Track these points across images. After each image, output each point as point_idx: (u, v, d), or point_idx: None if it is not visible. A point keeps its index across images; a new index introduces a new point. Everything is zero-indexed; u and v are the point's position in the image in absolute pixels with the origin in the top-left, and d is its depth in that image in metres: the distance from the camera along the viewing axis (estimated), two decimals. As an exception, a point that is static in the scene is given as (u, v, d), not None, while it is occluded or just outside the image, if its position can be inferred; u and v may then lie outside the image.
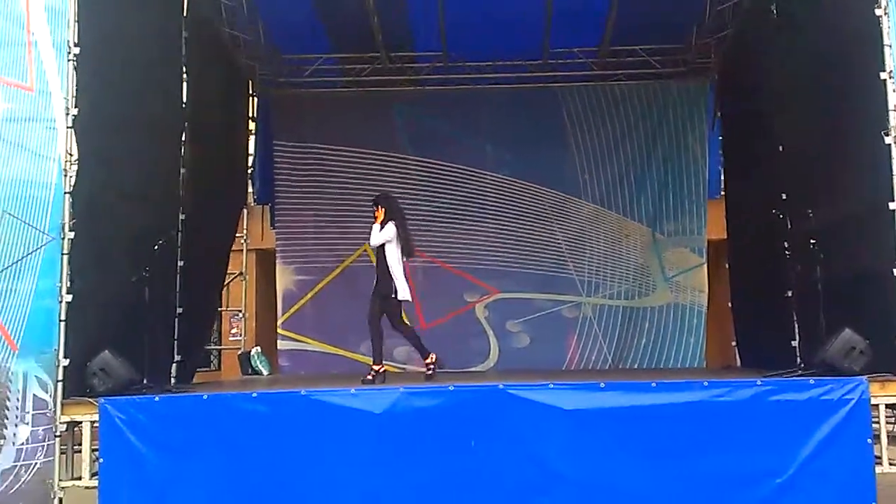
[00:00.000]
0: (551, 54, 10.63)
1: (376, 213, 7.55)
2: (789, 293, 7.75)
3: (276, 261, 11.30)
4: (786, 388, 5.81)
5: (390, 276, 7.35)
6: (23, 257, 6.00)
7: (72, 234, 6.02)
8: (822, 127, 7.22)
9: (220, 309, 11.22)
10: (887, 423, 5.93)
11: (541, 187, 11.22)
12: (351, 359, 10.62)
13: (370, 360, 7.42)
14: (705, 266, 11.05)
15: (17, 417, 5.82)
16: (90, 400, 5.92)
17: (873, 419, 5.73)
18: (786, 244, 7.75)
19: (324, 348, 10.89)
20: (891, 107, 5.97)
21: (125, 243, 6.85)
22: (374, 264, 7.56)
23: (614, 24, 9.75)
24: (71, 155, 6.10)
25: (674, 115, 11.14)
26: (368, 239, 7.62)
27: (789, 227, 7.72)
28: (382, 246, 7.42)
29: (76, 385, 6.01)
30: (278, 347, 11.09)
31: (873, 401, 5.73)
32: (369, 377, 7.13)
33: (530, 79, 11.06)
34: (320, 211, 11.27)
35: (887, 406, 5.89)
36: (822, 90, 7.18)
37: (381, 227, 7.45)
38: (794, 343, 7.64)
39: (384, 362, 7.47)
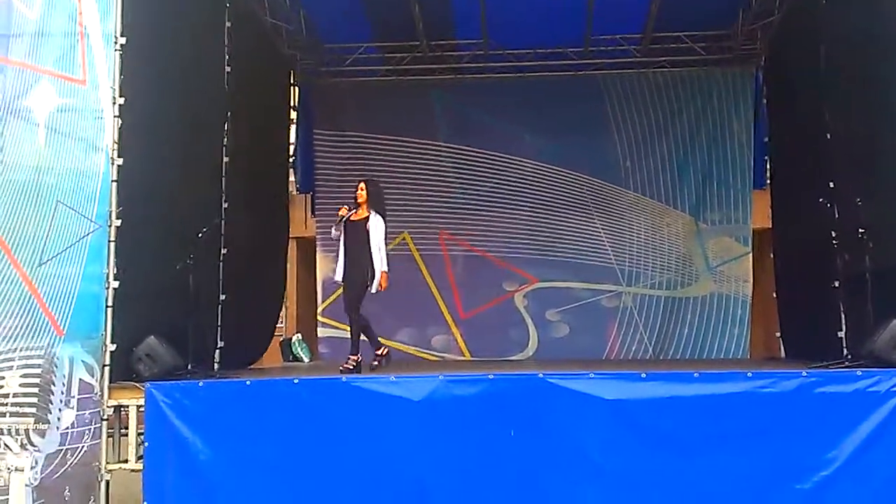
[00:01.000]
0: (593, 42, 10.53)
1: (359, 194, 7.29)
2: (836, 283, 7.59)
3: (317, 249, 11.38)
4: (832, 379, 5.70)
5: (370, 262, 7.15)
6: (71, 245, 6.11)
7: (118, 222, 6.12)
8: (871, 114, 7.05)
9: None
10: (937, 416, 5.76)
11: (581, 175, 11.14)
12: (390, 347, 10.62)
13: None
14: (750, 255, 10.88)
15: (61, 402, 5.91)
16: (136, 384, 6.05)
17: (922, 412, 5.60)
18: (833, 233, 7.59)
19: (362, 336, 10.92)
20: (944, 93, 5.81)
21: (170, 231, 6.97)
22: (343, 249, 7.28)
23: (658, 11, 9.62)
24: (118, 144, 6.20)
25: (718, 103, 10.98)
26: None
27: (837, 216, 7.56)
28: (366, 233, 7.18)
29: (122, 370, 6.15)
30: (318, 335, 11.19)
31: (923, 393, 5.60)
32: (374, 363, 7.18)
33: (572, 66, 10.98)
34: (360, 199, 11.30)
35: (937, 399, 5.74)
36: (871, 76, 7.00)
37: (368, 213, 7.24)
38: (841, 334, 7.48)
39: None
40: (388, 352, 7.50)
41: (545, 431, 5.78)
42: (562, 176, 11.18)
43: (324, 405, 5.92)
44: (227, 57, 8.19)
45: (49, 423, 5.86)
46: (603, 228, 11.06)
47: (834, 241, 7.49)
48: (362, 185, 7.35)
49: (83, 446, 5.91)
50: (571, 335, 10.91)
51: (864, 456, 5.53)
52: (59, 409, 5.90)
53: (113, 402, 6.04)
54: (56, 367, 5.93)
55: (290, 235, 11.74)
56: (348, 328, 7.39)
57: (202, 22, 7.85)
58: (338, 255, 7.36)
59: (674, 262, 10.98)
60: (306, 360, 10.48)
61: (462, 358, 10.83)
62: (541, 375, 5.94)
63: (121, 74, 6.25)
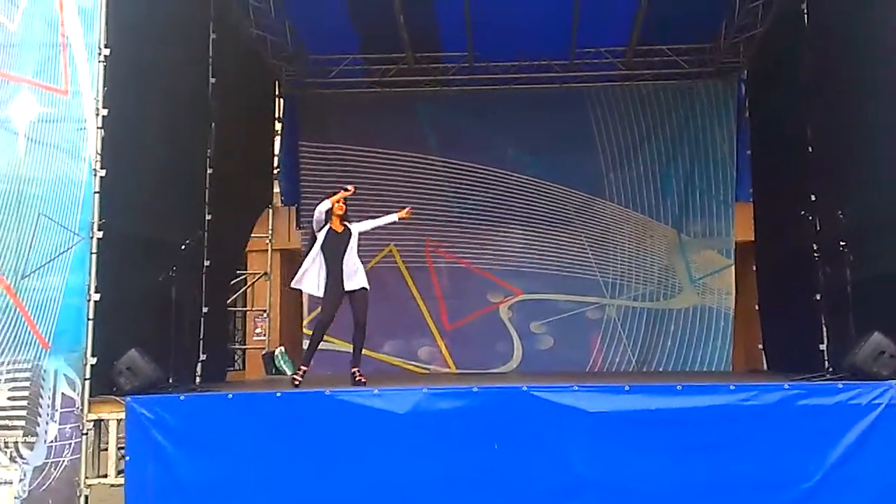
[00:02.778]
0: (578, 54, 10.59)
1: (342, 206, 7.18)
2: (818, 296, 7.65)
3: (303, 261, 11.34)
4: (814, 392, 5.74)
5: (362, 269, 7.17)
6: (54, 257, 6.07)
7: (100, 234, 6.09)
8: (852, 128, 7.12)
9: (233, 309, 11.27)
10: (917, 428, 5.80)
11: (565, 188, 11.18)
12: (375, 359, 10.67)
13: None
14: (733, 268, 10.94)
15: (48, 415, 5.89)
16: (117, 398, 5.99)
17: (903, 425, 5.63)
18: (815, 246, 7.65)
19: (347, 347, 10.87)
20: (923, 108, 5.87)
21: (153, 243, 6.93)
22: (333, 258, 7.09)
23: (642, 24, 9.69)
24: (100, 155, 6.17)
25: (701, 115, 11.06)
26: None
27: (818, 228, 7.62)
28: (354, 242, 7.14)
29: (103, 383, 6.09)
30: (303, 347, 11.13)
31: (903, 406, 5.64)
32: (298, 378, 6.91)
33: (556, 79, 11.03)
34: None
35: (917, 411, 5.78)
36: (852, 90, 7.08)
37: (349, 222, 7.18)
38: (823, 346, 7.54)
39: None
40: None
41: (529, 444, 5.78)
42: (546, 188, 11.22)
43: (307, 419, 5.90)
44: (211, 68, 8.17)
45: (37, 435, 5.83)
46: (587, 241, 11.09)
47: (815, 254, 7.55)
48: (343, 199, 7.18)
49: (64, 460, 5.87)
50: (556, 347, 10.92)
51: (845, 468, 5.57)
52: (47, 422, 5.87)
53: (93, 416, 6.00)
54: (43, 380, 5.91)
55: (274, 247, 11.72)
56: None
57: (187, 33, 7.83)
58: (308, 266, 7.11)
59: (657, 274, 11.02)
60: (289, 373, 10.41)
61: (447, 369, 10.82)
62: (525, 388, 5.94)
63: (104, 85, 6.22)
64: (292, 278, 7.32)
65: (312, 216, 7.18)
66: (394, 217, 7.34)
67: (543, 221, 11.16)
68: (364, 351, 7.11)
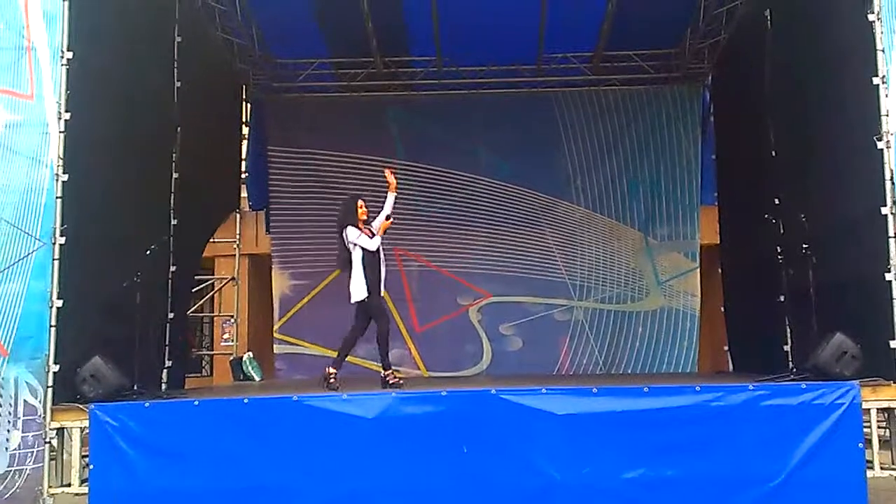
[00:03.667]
0: (545, 60, 10.66)
1: (365, 211, 7.16)
2: (782, 298, 7.76)
3: (272, 266, 11.30)
4: (778, 392, 5.82)
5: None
6: (14, 262, 5.97)
7: (62, 239, 6.00)
8: (815, 132, 7.24)
9: (200, 314, 11.16)
10: (878, 427, 5.93)
11: (533, 192, 11.25)
12: (347, 362, 10.63)
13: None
14: (698, 270, 11.07)
15: (9, 423, 5.80)
16: (80, 406, 5.90)
17: (864, 424, 5.74)
18: (778, 249, 7.76)
19: (320, 351, 10.92)
20: (883, 112, 5.98)
21: (117, 248, 6.83)
22: (367, 267, 6.99)
23: (609, 30, 9.78)
24: (62, 160, 6.08)
25: (667, 120, 11.19)
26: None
27: (782, 231, 7.74)
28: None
29: (66, 391, 6.00)
30: (275, 351, 11.11)
31: (865, 405, 5.75)
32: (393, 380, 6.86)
33: (524, 84, 11.10)
34: (315, 216, 11.24)
35: (879, 410, 5.90)
36: (815, 95, 7.20)
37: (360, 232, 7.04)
38: (787, 348, 7.66)
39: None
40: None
41: (498, 447, 5.79)
42: (515, 193, 11.28)
43: (275, 425, 5.85)
44: (176, 72, 8.09)
45: (-1, 443, 5.72)
46: (555, 244, 11.17)
47: (779, 257, 7.67)
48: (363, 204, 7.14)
49: (27, 469, 5.78)
50: (524, 349, 10.99)
51: (809, 467, 5.65)
52: (8, 431, 5.78)
53: (56, 424, 5.91)
54: (3, 387, 5.79)
55: (242, 252, 11.64)
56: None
57: (151, 37, 7.74)
58: (359, 273, 6.92)
59: (624, 276, 11.14)
60: (257, 378, 10.34)
61: (418, 372, 10.83)
62: (493, 392, 5.96)
63: (67, 89, 6.14)
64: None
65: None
66: (391, 197, 7.18)
67: (512, 225, 11.22)
68: (335, 353, 7.05)
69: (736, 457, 5.69)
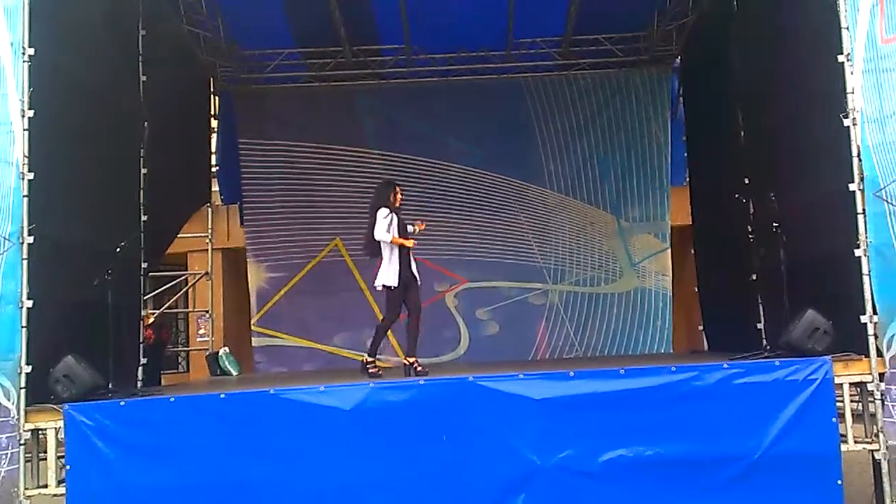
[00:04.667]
0: (515, 45, 10.64)
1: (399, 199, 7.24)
2: (754, 277, 7.83)
3: (248, 259, 11.23)
4: (752, 370, 5.87)
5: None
6: (-19, 263, 5.87)
7: (31, 239, 5.90)
8: (782, 111, 7.30)
9: (175, 310, 11.06)
10: (851, 401, 6.00)
11: (506, 178, 11.28)
12: (326, 352, 10.78)
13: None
14: (669, 251, 11.17)
15: (-20, 426, 5.71)
16: (54, 407, 5.83)
17: (837, 398, 5.81)
18: (749, 228, 7.83)
19: (299, 343, 10.94)
20: (849, 90, 6.03)
21: (87, 246, 6.74)
22: (407, 254, 7.16)
23: (576, 14, 9.78)
24: (27, 158, 5.98)
25: (637, 103, 11.24)
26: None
27: (752, 211, 7.80)
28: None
29: (40, 392, 5.91)
30: (253, 344, 11.07)
31: (837, 380, 5.82)
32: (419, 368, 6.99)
33: (494, 70, 11.08)
34: (289, 207, 11.24)
35: (851, 385, 5.98)
36: (782, 74, 7.25)
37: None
38: (760, 326, 7.73)
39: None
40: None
41: (478, 434, 5.80)
42: (488, 179, 11.30)
43: (253, 419, 5.81)
44: (141, 65, 7.98)
45: (-31, 447, 5.64)
46: (529, 229, 11.21)
47: (750, 236, 7.73)
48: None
49: (2, 471, 5.71)
50: (501, 333, 11.05)
51: (784, 442, 5.71)
52: (-21, 434, 5.68)
53: (31, 426, 5.83)
54: (-26, 389, 5.71)
55: (215, 247, 11.56)
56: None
57: (115, 30, 7.63)
58: (390, 260, 7.08)
59: (597, 259, 11.22)
60: (235, 373, 10.29)
61: (397, 358, 10.85)
62: (471, 379, 5.96)
63: (30, 87, 6.02)
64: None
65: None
66: (415, 229, 7.33)
67: (485, 211, 11.25)
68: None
69: (713, 435, 5.75)
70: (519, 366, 6.90)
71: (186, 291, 12.84)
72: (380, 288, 7.16)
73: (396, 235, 7.03)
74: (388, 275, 7.05)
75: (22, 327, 5.80)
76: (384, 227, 7.04)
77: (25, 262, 5.87)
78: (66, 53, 6.63)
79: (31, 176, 5.96)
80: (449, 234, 11.23)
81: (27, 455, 5.84)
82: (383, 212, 7.07)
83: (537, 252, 11.19)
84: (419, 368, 6.96)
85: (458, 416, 5.83)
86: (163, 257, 9.83)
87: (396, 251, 7.03)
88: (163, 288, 12.11)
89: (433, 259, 11.14)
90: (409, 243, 7.13)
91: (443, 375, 6.37)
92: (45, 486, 5.88)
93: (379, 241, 7.07)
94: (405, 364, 7.07)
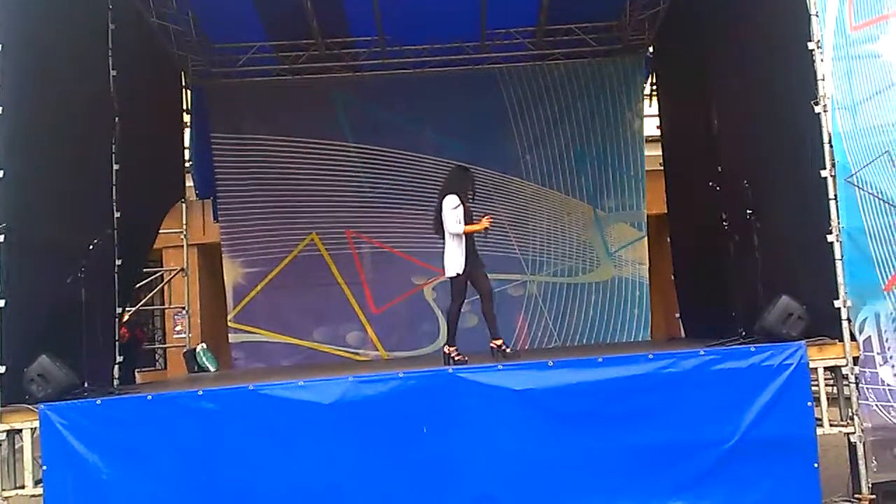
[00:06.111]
0: (489, 35, 10.61)
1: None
2: (728, 264, 7.88)
3: (223, 255, 11.15)
4: (728, 356, 5.93)
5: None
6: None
7: (1, 238, 5.83)
8: (755, 98, 7.34)
9: (151, 307, 10.99)
10: (826, 385, 6.07)
11: (483, 169, 11.20)
12: (305, 347, 10.73)
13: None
14: (645, 239, 11.23)
15: (-45, 428, 5.65)
16: (30, 406, 5.77)
17: (812, 382, 5.89)
18: (723, 216, 7.87)
19: (276, 338, 10.88)
20: (819, 76, 6.09)
21: (60, 244, 6.66)
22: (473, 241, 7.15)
23: (549, 4, 9.77)
24: (-3, 155, 5.90)
25: (611, 93, 11.24)
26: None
27: (726, 198, 7.84)
28: None
29: (14, 392, 5.86)
30: (230, 340, 10.99)
31: (812, 364, 5.90)
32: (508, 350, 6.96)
33: (469, 61, 11.04)
34: (264, 202, 11.16)
35: (825, 369, 6.05)
36: (754, 62, 7.30)
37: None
38: (735, 312, 7.77)
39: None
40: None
41: (458, 426, 5.82)
42: (465, 171, 11.27)
43: (231, 416, 5.79)
44: (111, 60, 7.87)
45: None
46: (507, 220, 11.17)
47: (724, 223, 7.78)
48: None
49: (-24, 474, 5.64)
50: (480, 325, 10.88)
51: (761, 427, 5.78)
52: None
53: (5, 427, 5.79)
54: (-54, 392, 5.63)
55: (190, 242, 11.46)
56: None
57: (83, 25, 7.52)
58: (455, 248, 6.99)
59: (575, 249, 11.24)
60: (213, 369, 10.23)
61: (376, 352, 10.84)
62: (450, 371, 5.99)
63: (-2, 83, 5.94)
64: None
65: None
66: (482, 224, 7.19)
67: (463, 202, 11.22)
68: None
69: (691, 421, 5.80)
70: (499, 357, 6.91)
71: (162, 288, 12.74)
72: (450, 276, 7.04)
73: (454, 220, 6.89)
74: (454, 263, 6.95)
75: (-6, 327, 5.74)
76: (454, 219, 6.89)
77: (-3, 262, 5.80)
78: (35, 49, 6.54)
79: (0, 174, 5.87)
80: (425, 226, 11.14)
81: (3, 456, 5.78)
82: (452, 201, 6.91)
83: (515, 243, 11.18)
84: (507, 350, 6.90)
85: (439, 408, 5.83)
86: (148, 254, 9.76)
87: (464, 239, 6.92)
88: (138, 285, 11.99)
89: (410, 252, 11.14)
90: (481, 226, 7.02)
91: (422, 368, 6.35)
92: (23, 487, 5.84)
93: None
94: (492, 348, 6.98)
